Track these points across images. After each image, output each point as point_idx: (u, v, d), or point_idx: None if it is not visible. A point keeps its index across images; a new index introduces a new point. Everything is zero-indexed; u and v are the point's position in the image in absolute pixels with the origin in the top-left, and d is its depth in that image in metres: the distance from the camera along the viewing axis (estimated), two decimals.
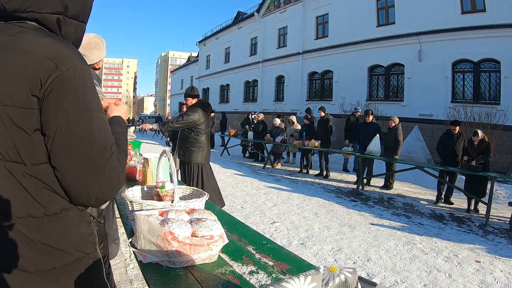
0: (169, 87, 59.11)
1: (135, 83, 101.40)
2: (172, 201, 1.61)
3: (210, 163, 5.16)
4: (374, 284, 0.76)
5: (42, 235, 0.87)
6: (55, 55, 0.85)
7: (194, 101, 4.77)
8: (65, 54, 0.87)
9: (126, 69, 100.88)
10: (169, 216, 1.38)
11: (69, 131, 0.85)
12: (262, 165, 11.14)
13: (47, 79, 0.83)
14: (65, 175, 0.87)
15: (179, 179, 4.43)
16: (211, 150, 6.59)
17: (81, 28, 1.02)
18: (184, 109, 5.38)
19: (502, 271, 3.80)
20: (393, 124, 8.14)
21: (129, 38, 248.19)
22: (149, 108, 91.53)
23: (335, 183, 8.76)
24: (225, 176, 8.85)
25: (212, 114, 8.21)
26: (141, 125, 5.40)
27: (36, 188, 0.86)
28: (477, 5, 11.65)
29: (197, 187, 4.15)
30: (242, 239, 1.64)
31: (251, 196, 6.91)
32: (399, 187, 8.45)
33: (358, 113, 10.47)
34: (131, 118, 44.98)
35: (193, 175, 4.72)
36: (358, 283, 0.75)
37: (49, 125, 0.84)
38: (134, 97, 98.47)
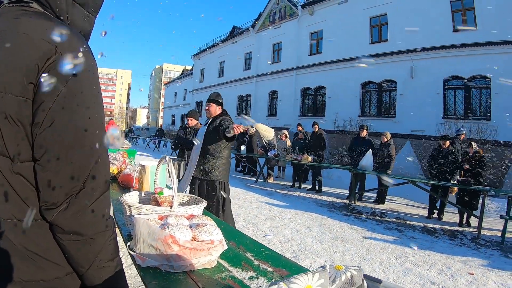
0: (162, 99, 59.29)
1: (128, 94, 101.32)
2: (171, 207, 1.61)
3: None
4: (380, 281, 0.77)
5: (29, 241, 0.77)
6: (55, 38, 0.77)
7: (218, 109, 4.07)
8: (67, 38, 0.79)
9: (120, 79, 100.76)
10: (169, 220, 1.38)
11: (59, 121, 0.76)
12: (255, 179, 11.12)
13: (44, 63, 0.75)
14: (45, 168, 0.76)
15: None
16: None
17: (89, 20, 0.94)
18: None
19: (495, 283, 3.84)
20: (385, 140, 8.22)
21: (124, 49, 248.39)
22: (141, 120, 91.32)
23: (327, 198, 8.76)
24: None
25: None
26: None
27: (22, 187, 0.77)
28: (468, 23, 11.95)
29: (221, 207, 3.95)
30: (240, 246, 1.63)
31: (243, 209, 6.87)
32: (391, 202, 8.49)
33: (463, 135, 7.99)
34: (125, 129, 44.67)
35: (218, 194, 3.94)
36: (364, 280, 0.76)
37: (39, 110, 0.75)
38: (127, 108, 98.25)
